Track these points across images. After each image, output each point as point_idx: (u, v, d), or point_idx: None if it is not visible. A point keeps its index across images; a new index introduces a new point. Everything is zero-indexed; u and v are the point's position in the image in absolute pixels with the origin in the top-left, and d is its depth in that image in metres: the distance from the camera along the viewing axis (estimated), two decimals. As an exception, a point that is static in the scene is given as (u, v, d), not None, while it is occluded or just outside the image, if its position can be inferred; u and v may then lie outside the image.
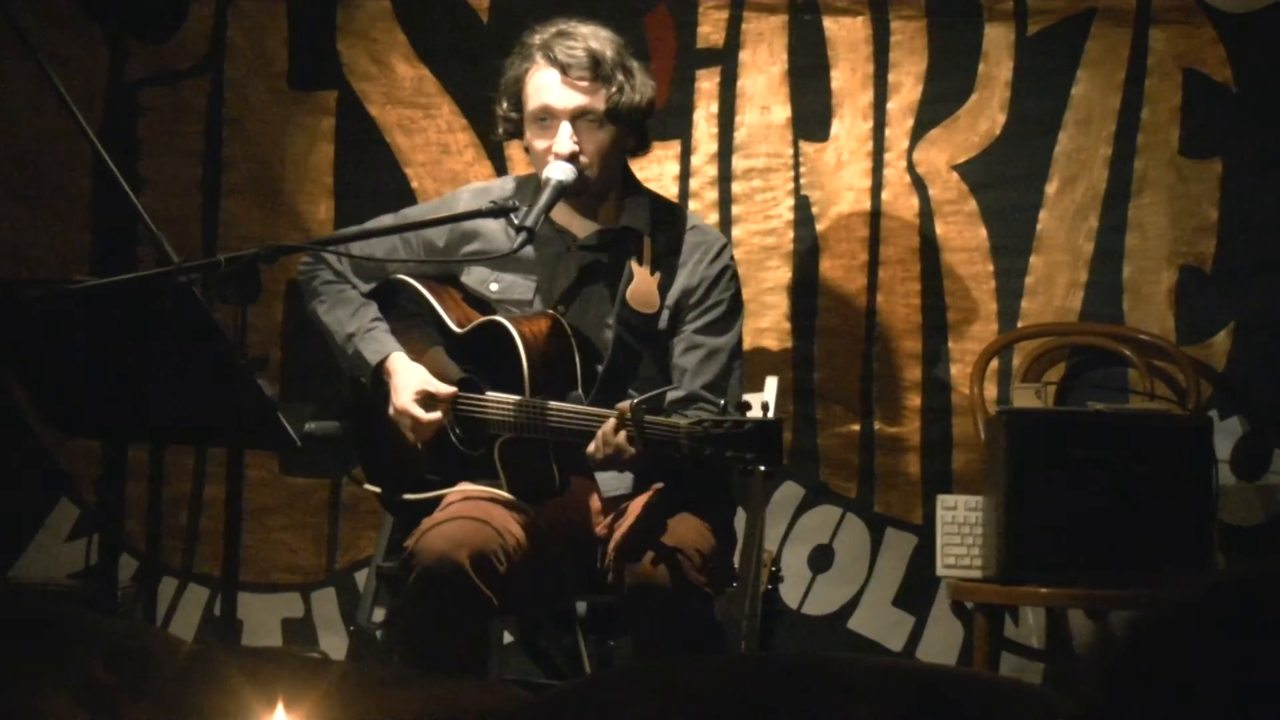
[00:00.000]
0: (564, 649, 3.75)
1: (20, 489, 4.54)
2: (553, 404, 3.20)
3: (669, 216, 3.52)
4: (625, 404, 3.07)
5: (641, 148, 3.52)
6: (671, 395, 3.30)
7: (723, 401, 3.09)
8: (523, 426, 3.23)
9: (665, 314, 3.42)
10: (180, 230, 4.45)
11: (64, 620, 2.35)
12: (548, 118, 3.38)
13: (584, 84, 3.38)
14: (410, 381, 3.37)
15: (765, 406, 2.96)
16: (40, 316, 3.19)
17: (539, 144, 3.40)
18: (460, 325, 3.42)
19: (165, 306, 2.97)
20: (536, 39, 3.43)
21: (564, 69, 3.37)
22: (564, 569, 3.31)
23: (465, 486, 3.35)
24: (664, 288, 3.43)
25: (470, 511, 3.24)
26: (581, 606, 3.55)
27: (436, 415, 3.34)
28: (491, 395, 3.30)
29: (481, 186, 3.65)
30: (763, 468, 2.98)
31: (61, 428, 3.73)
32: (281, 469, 4.55)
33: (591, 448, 3.12)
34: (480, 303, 3.48)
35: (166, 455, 3.48)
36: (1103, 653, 1.26)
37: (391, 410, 3.38)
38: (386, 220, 3.55)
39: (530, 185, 3.51)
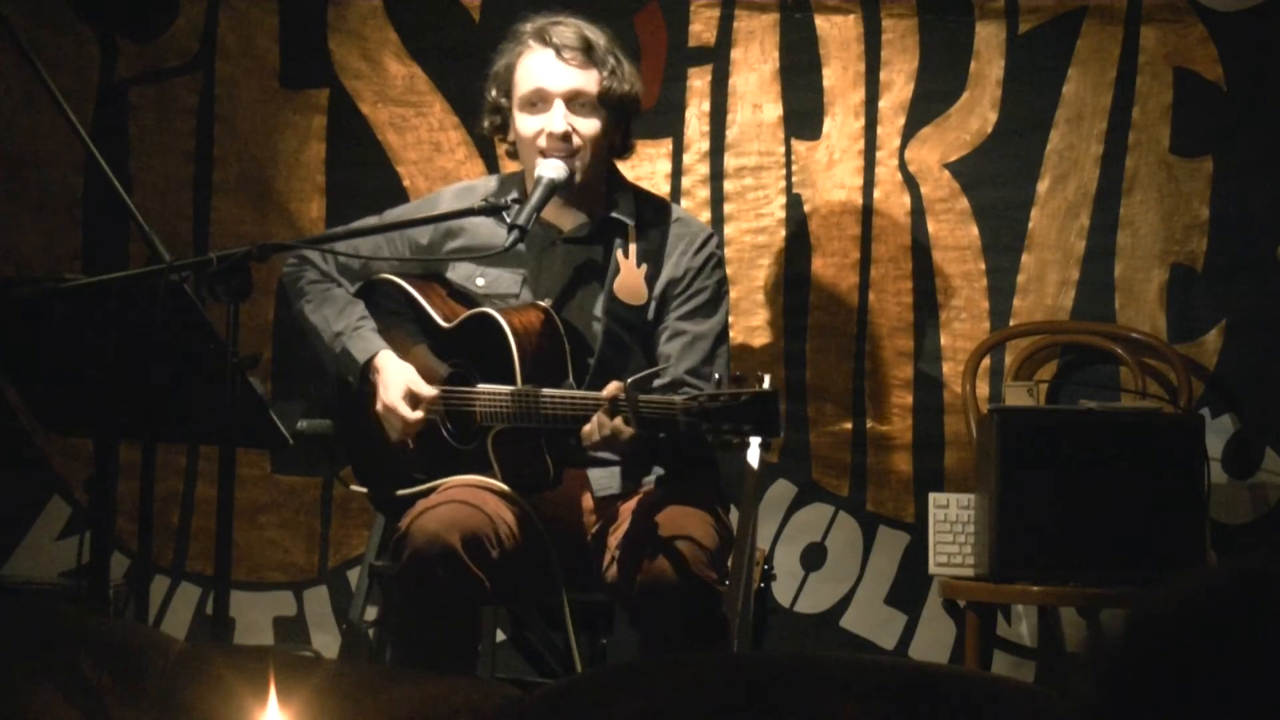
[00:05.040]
0: (555, 647, 3.75)
1: (12, 487, 4.53)
2: (545, 391, 3.20)
3: (654, 209, 3.53)
4: (616, 385, 3.06)
5: (625, 148, 3.52)
6: (657, 382, 3.30)
7: (715, 377, 3.08)
8: (516, 416, 3.23)
9: (652, 305, 3.43)
10: (171, 228, 4.45)
11: (55, 619, 2.35)
12: (540, 101, 3.39)
13: (577, 65, 3.39)
14: (397, 380, 3.37)
15: (759, 379, 2.95)
16: (31, 315, 3.19)
17: (529, 128, 3.40)
18: (447, 320, 3.42)
19: (156, 305, 2.97)
20: (529, 26, 3.45)
21: (558, 50, 3.39)
22: (556, 563, 3.31)
23: (460, 478, 3.35)
24: (650, 279, 3.43)
25: (464, 496, 3.25)
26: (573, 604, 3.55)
27: (421, 414, 3.34)
28: (483, 387, 3.30)
29: (465, 186, 3.66)
30: (761, 439, 2.96)
31: (53, 426, 3.72)
32: (273, 467, 4.55)
33: (588, 429, 3.12)
34: (466, 298, 3.48)
35: (158, 454, 3.47)
36: (1100, 650, 1.26)
37: (379, 408, 3.38)
38: (372, 221, 3.55)
39: (514, 182, 3.51)
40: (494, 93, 3.48)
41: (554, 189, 3.33)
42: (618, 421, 3.07)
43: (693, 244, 3.48)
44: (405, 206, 3.84)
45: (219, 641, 3.02)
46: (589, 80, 3.39)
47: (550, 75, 3.39)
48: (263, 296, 4.46)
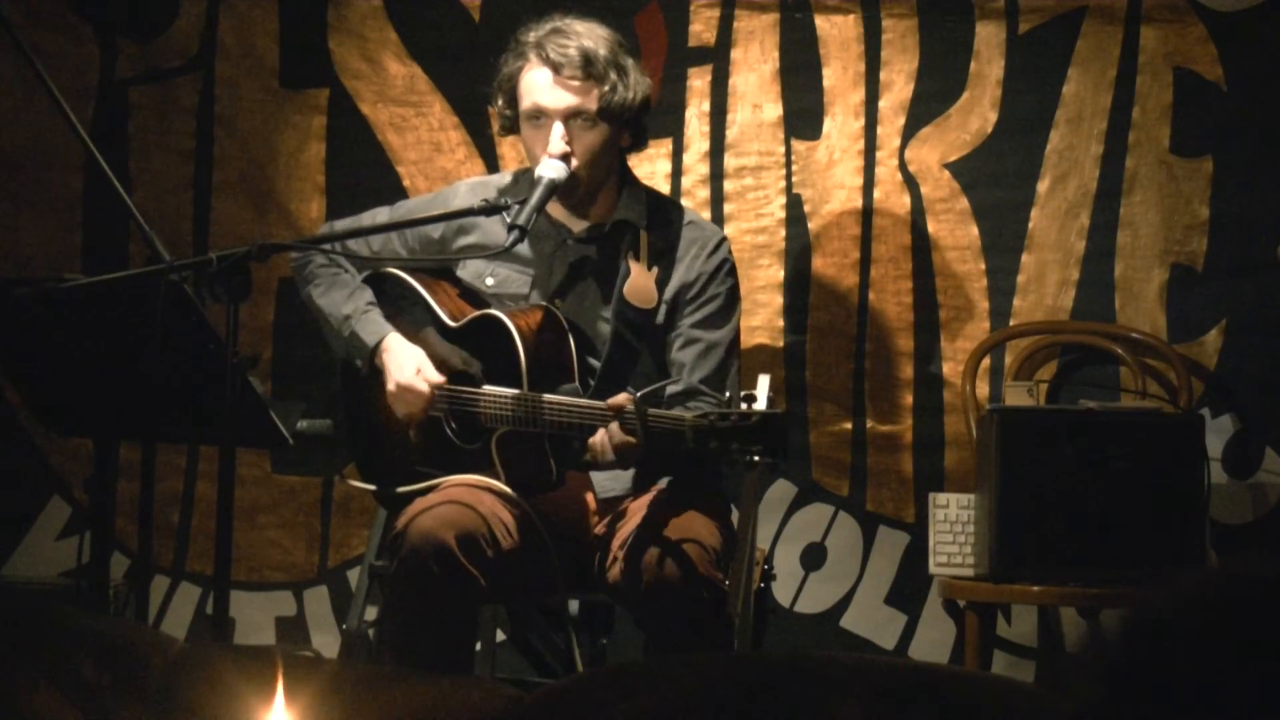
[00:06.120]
0: (555, 647, 3.76)
1: (12, 487, 4.53)
2: (550, 397, 3.20)
3: (666, 211, 3.52)
4: (624, 396, 3.06)
5: (638, 144, 3.52)
6: (670, 389, 3.30)
7: (726, 394, 3.08)
8: (520, 420, 3.24)
9: (663, 309, 3.43)
10: (171, 228, 4.45)
11: (55, 619, 2.35)
12: (540, 116, 3.39)
13: (576, 84, 3.37)
14: (410, 360, 3.36)
15: (771, 400, 2.95)
16: (31, 315, 3.19)
17: (532, 141, 3.41)
18: (454, 319, 3.42)
19: (156, 305, 2.97)
20: (531, 36, 3.43)
21: (556, 68, 3.37)
22: (555, 564, 3.31)
23: (460, 476, 3.35)
24: (661, 283, 3.43)
25: (460, 496, 3.26)
26: (573, 605, 3.55)
27: (441, 378, 3.32)
28: (488, 389, 3.30)
29: (479, 180, 3.67)
30: (769, 460, 2.97)
31: (52, 426, 3.73)
32: (273, 467, 4.55)
33: (595, 440, 3.12)
34: (475, 297, 3.49)
35: (158, 454, 3.47)
36: (1098, 650, 1.26)
37: (391, 387, 3.37)
38: (381, 213, 3.55)
39: (528, 179, 3.51)
40: (500, 102, 3.48)
41: (553, 189, 3.33)
42: (626, 435, 3.07)
43: (705, 248, 3.48)
44: (419, 200, 3.83)
45: (219, 641, 3.02)
46: (588, 98, 3.38)
47: (548, 95, 3.38)
48: (263, 296, 4.46)
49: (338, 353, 3.53)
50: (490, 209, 3.26)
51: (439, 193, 3.71)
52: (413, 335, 3.45)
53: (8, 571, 4.47)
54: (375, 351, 3.41)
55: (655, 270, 3.43)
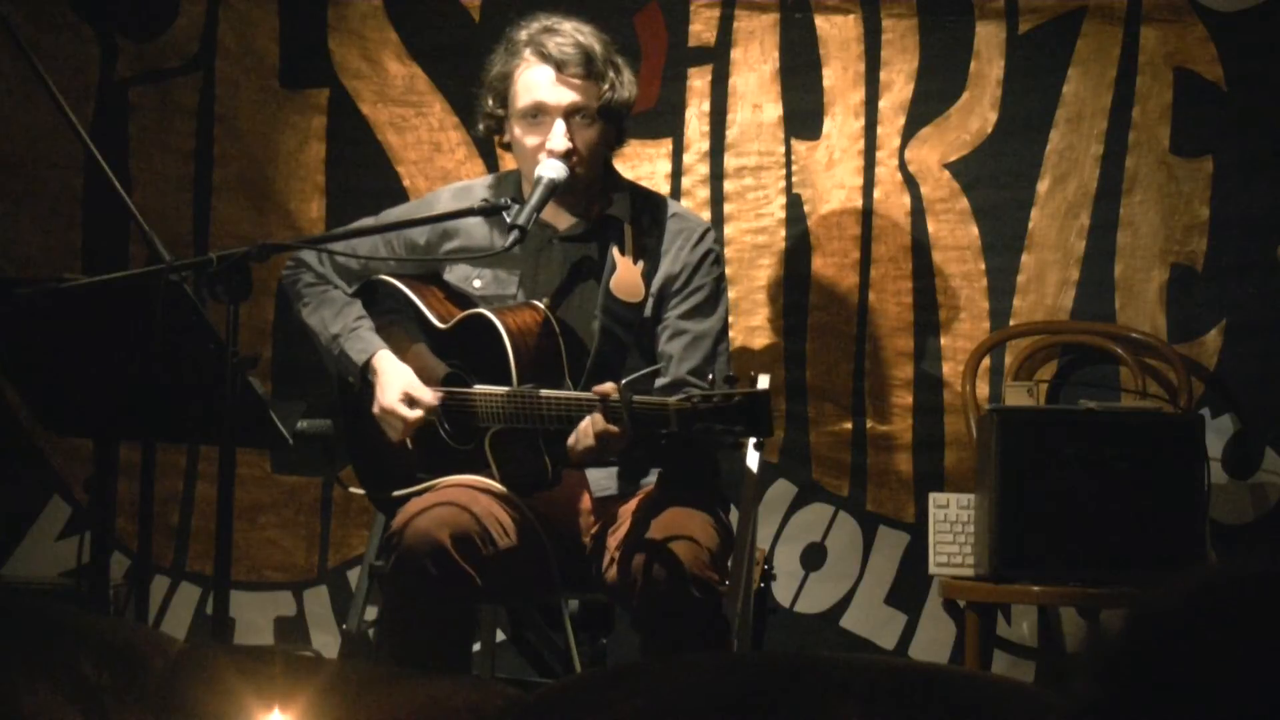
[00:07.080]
0: (555, 647, 3.76)
1: (12, 487, 4.53)
2: (541, 392, 3.19)
3: (650, 205, 3.52)
4: (610, 385, 3.05)
5: (621, 142, 3.52)
6: (659, 382, 3.30)
7: (710, 379, 3.08)
8: (512, 416, 3.23)
9: (650, 302, 3.42)
10: (171, 228, 4.46)
11: (55, 619, 2.35)
12: (540, 114, 3.38)
13: (577, 81, 3.37)
14: (396, 381, 3.36)
15: (753, 379, 2.95)
16: (31, 315, 3.19)
17: (530, 141, 3.39)
18: (443, 321, 3.41)
19: (156, 305, 2.97)
20: (523, 34, 3.42)
21: (558, 66, 3.37)
22: (552, 563, 3.31)
23: (456, 477, 3.35)
24: (648, 276, 3.42)
25: (456, 497, 3.25)
26: (573, 605, 3.55)
27: (419, 413, 3.34)
28: (479, 388, 3.30)
29: (463, 186, 3.65)
30: (752, 440, 2.97)
31: (52, 426, 3.72)
32: (273, 467, 4.55)
33: (581, 427, 3.10)
34: (464, 299, 3.48)
35: (158, 454, 3.47)
36: (1098, 649, 1.26)
37: (376, 409, 3.37)
38: (368, 222, 3.54)
39: (510, 181, 3.51)
40: (490, 102, 3.46)
41: (554, 189, 3.32)
42: (608, 423, 3.06)
43: (690, 239, 3.47)
44: (403, 207, 3.84)
45: (219, 641, 3.02)
46: (589, 96, 3.38)
47: (550, 92, 3.37)
48: (263, 296, 4.46)
49: (330, 369, 3.53)
50: (492, 208, 3.26)
51: (421, 200, 3.72)
52: (403, 342, 3.45)
53: (8, 571, 4.48)
54: (365, 369, 3.42)
55: (641, 264, 3.42)
